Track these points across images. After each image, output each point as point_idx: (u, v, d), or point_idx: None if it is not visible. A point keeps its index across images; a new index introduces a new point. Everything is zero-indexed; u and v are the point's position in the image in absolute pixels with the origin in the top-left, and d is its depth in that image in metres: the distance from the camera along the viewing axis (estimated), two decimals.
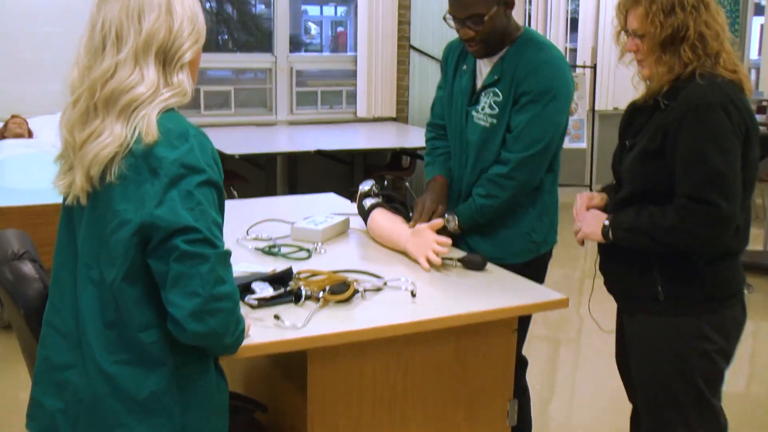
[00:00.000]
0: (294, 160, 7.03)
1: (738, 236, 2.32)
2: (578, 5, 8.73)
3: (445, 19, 2.76)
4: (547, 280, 2.88)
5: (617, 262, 2.45)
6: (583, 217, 2.45)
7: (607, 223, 2.36)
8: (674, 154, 2.23)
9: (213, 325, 1.70)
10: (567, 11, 8.58)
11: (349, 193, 7.54)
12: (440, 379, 2.34)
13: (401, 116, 8.03)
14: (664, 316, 2.36)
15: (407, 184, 7.63)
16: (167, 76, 1.79)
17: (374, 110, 7.89)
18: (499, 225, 2.83)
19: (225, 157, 6.32)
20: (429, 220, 2.75)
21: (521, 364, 2.92)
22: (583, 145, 8.07)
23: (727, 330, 2.37)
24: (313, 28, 10.07)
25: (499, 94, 2.76)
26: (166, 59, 1.78)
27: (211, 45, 8.14)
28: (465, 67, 2.89)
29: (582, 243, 2.49)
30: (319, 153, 6.55)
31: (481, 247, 2.79)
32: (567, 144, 8.26)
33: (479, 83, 2.83)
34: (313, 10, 9.88)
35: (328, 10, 9.32)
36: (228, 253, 1.73)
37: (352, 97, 8.00)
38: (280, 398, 2.44)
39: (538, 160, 2.76)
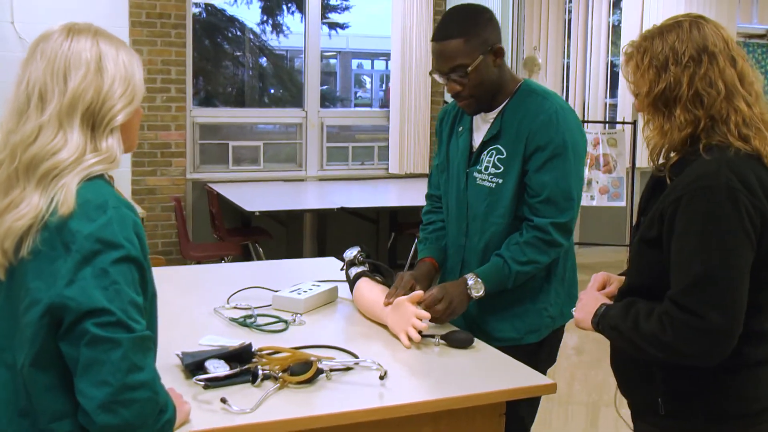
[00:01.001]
0: (323, 217, 6.92)
1: (762, 344, 1.89)
2: (618, 59, 8.54)
3: (431, 74, 2.61)
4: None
5: (621, 360, 2.07)
6: (584, 299, 2.09)
7: (599, 313, 1.99)
8: (669, 245, 1.85)
9: (126, 417, 1.53)
10: (607, 65, 8.40)
11: (374, 252, 7.41)
12: None
13: None
14: None
15: None
16: (95, 140, 1.65)
17: (406, 166, 7.77)
18: (513, 302, 2.61)
19: (247, 214, 6.25)
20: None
21: None
22: (623, 203, 7.84)
23: None
24: (368, 82, 10.07)
25: (503, 150, 2.57)
26: (95, 122, 1.65)
27: (247, 99, 8.13)
28: (461, 128, 2.72)
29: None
30: (344, 210, 6.42)
31: (495, 326, 2.61)
32: (605, 202, 8.06)
33: (477, 143, 2.65)
34: (366, 64, 9.90)
35: (379, 64, 9.31)
36: (146, 337, 1.57)
37: (384, 153, 7.88)
38: None
39: (574, 222, 2.58)
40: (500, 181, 2.58)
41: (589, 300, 2.05)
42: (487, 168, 2.60)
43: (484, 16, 2.57)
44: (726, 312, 1.76)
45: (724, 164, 1.79)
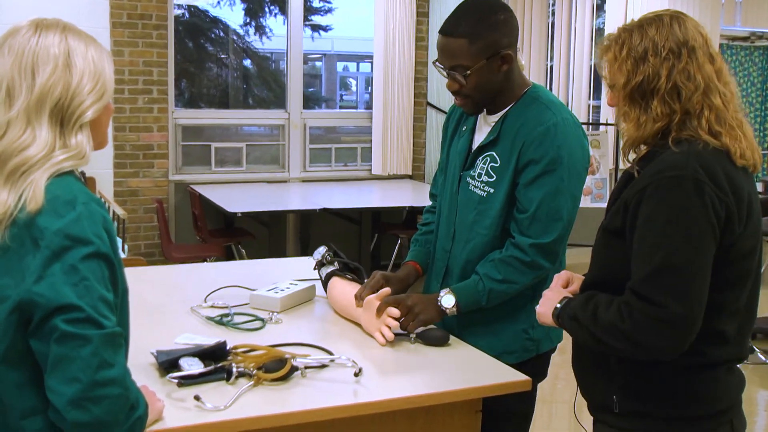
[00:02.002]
0: (306, 218, 6.92)
1: (722, 344, 1.85)
2: None
3: (434, 64, 2.50)
4: None
5: (580, 357, 2.04)
6: (547, 294, 2.05)
7: (559, 306, 1.96)
8: (632, 235, 1.81)
9: (97, 414, 1.52)
10: (590, 68, 8.43)
11: (356, 253, 7.41)
12: None
13: (417, 174, 7.91)
14: (619, 431, 1.94)
15: None
16: (65, 136, 1.64)
17: (390, 168, 7.78)
18: (491, 319, 2.50)
19: (230, 215, 6.24)
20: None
21: None
22: (605, 205, 7.85)
23: None
24: (353, 84, 10.07)
25: (497, 159, 2.45)
26: (64, 118, 1.64)
27: (231, 101, 8.12)
28: (465, 128, 2.61)
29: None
30: (326, 211, 6.42)
31: (471, 341, 2.46)
32: (588, 204, 8.07)
33: (476, 145, 2.54)
34: (352, 67, 9.90)
35: (365, 67, 9.31)
36: (117, 334, 1.57)
37: (368, 154, 7.89)
38: None
39: (561, 244, 2.45)
40: (491, 190, 2.47)
41: (552, 294, 2.02)
42: (480, 175, 2.50)
43: (497, 16, 2.41)
44: (685, 302, 1.73)
45: (692, 156, 1.78)
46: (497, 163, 2.46)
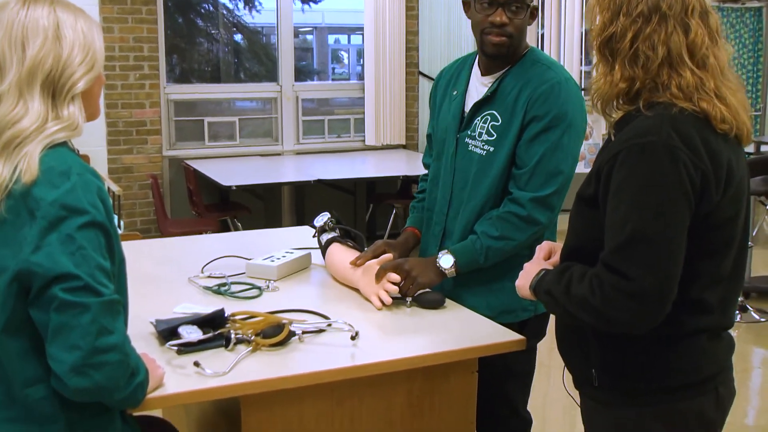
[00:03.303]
0: (300, 190, 6.94)
1: (703, 313, 1.78)
2: None
3: (468, 3, 2.48)
4: None
5: (562, 333, 1.99)
6: (527, 267, 1.99)
7: (536, 278, 1.90)
8: (605, 203, 1.73)
9: (98, 380, 1.56)
10: (581, 33, 8.41)
11: (351, 223, 7.43)
12: (392, 426, 2.18)
13: (411, 144, 7.91)
14: (602, 405, 1.89)
15: None
16: (57, 108, 1.66)
17: (383, 138, 7.78)
18: (489, 278, 2.51)
19: (224, 189, 6.25)
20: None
21: (523, 423, 2.70)
22: None
23: (685, 425, 1.82)
24: (345, 57, 10.05)
25: (498, 117, 2.46)
26: (55, 90, 1.66)
27: (222, 76, 8.10)
28: (455, 92, 2.62)
29: None
30: (321, 182, 6.43)
31: (470, 302, 2.49)
32: (582, 169, 8.09)
33: (469, 107, 2.55)
34: (343, 39, 9.87)
35: (356, 39, 9.28)
36: (115, 301, 1.59)
37: (361, 125, 7.89)
38: None
39: (558, 198, 2.45)
40: (492, 149, 2.47)
41: (531, 267, 1.96)
42: (480, 134, 2.50)
43: None
44: (656, 274, 1.65)
45: (666, 120, 1.69)
46: (498, 121, 2.47)
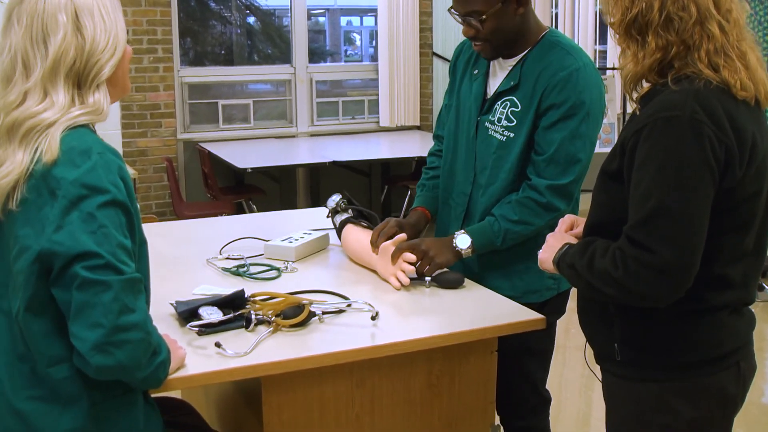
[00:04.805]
0: (315, 171, 6.94)
1: (725, 289, 1.79)
2: None
3: (450, 12, 2.48)
4: None
5: (583, 307, 1.99)
6: (549, 240, 2.00)
7: (560, 252, 1.91)
8: (629, 178, 1.74)
9: (120, 358, 1.56)
10: (595, 12, 8.36)
11: (367, 204, 7.43)
12: (412, 407, 2.19)
13: (425, 125, 7.89)
14: (624, 379, 1.89)
15: None
16: (83, 96, 1.67)
17: (397, 119, 7.77)
18: (513, 259, 2.52)
19: (239, 171, 6.26)
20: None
21: (542, 401, 2.70)
22: None
23: (705, 400, 1.83)
24: (357, 39, 10.02)
25: (518, 103, 2.45)
26: (81, 80, 1.67)
27: (235, 58, 8.09)
28: (476, 71, 2.59)
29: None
30: (336, 164, 6.43)
31: (494, 283, 2.50)
32: (598, 148, 8.05)
33: (492, 90, 2.53)
34: (356, 21, 9.84)
35: (368, 21, 9.25)
36: (136, 279, 1.60)
37: (375, 107, 7.87)
38: (243, 426, 2.31)
39: (576, 186, 2.46)
40: (511, 135, 2.47)
41: (555, 240, 1.98)
42: (500, 120, 2.49)
43: None
44: (678, 248, 1.66)
45: (691, 95, 1.70)
46: (518, 107, 2.46)
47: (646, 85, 1.84)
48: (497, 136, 2.50)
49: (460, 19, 2.45)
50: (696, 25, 1.74)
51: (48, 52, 1.64)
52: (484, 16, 2.38)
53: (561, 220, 2.06)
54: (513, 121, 2.47)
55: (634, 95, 1.84)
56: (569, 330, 4.58)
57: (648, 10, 1.75)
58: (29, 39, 1.65)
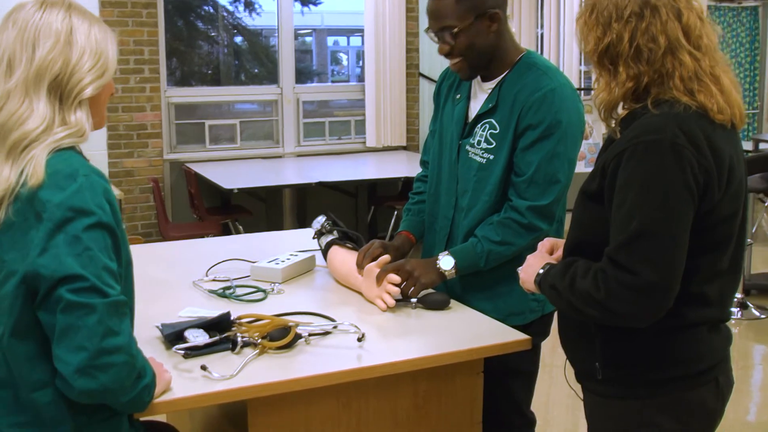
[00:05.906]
0: (302, 192, 6.93)
1: (703, 306, 1.83)
2: None
3: (426, 31, 2.51)
4: None
5: (564, 326, 2.02)
6: (530, 260, 2.02)
7: (541, 272, 1.93)
8: (610, 199, 1.77)
9: (104, 382, 1.56)
10: None
11: (353, 225, 7.43)
12: (399, 428, 2.19)
13: (411, 145, 7.91)
14: (605, 398, 1.91)
15: None
16: (63, 112, 1.67)
17: (384, 140, 7.78)
18: (496, 281, 2.53)
19: (226, 192, 6.25)
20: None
21: (527, 423, 2.70)
22: None
23: (687, 414, 1.86)
24: (344, 59, 10.05)
25: (496, 125, 2.47)
26: (63, 94, 1.66)
27: (222, 78, 8.10)
28: (459, 96, 2.62)
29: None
30: (322, 185, 6.43)
31: (478, 306, 2.50)
32: (583, 168, 8.09)
33: (473, 113, 2.55)
34: (342, 41, 9.87)
35: (355, 41, 9.28)
36: (121, 302, 1.59)
37: (361, 127, 7.89)
38: None
39: (557, 205, 2.48)
40: (491, 157, 2.49)
41: (535, 260, 2.00)
42: (480, 142, 2.51)
43: None
44: (660, 270, 1.69)
45: (671, 119, 1.73)
46: (496, 129, 2.48)
47: (623, 109, 1.85)
48: (477, 158, 2.52)
49: (435, 38, 2.48)
50: (667, 55, 1.78)
51: (35, 56, 1.65)
52: (455, 30, 2.40)
53: (540, 244, 2.08)
54: (492, 143, 2.48)
55: (611, 122, 1.86)
56: (555, 349, 4.57)
57: (618, 42, 1.79)
58: (20, 41, 1.66)
